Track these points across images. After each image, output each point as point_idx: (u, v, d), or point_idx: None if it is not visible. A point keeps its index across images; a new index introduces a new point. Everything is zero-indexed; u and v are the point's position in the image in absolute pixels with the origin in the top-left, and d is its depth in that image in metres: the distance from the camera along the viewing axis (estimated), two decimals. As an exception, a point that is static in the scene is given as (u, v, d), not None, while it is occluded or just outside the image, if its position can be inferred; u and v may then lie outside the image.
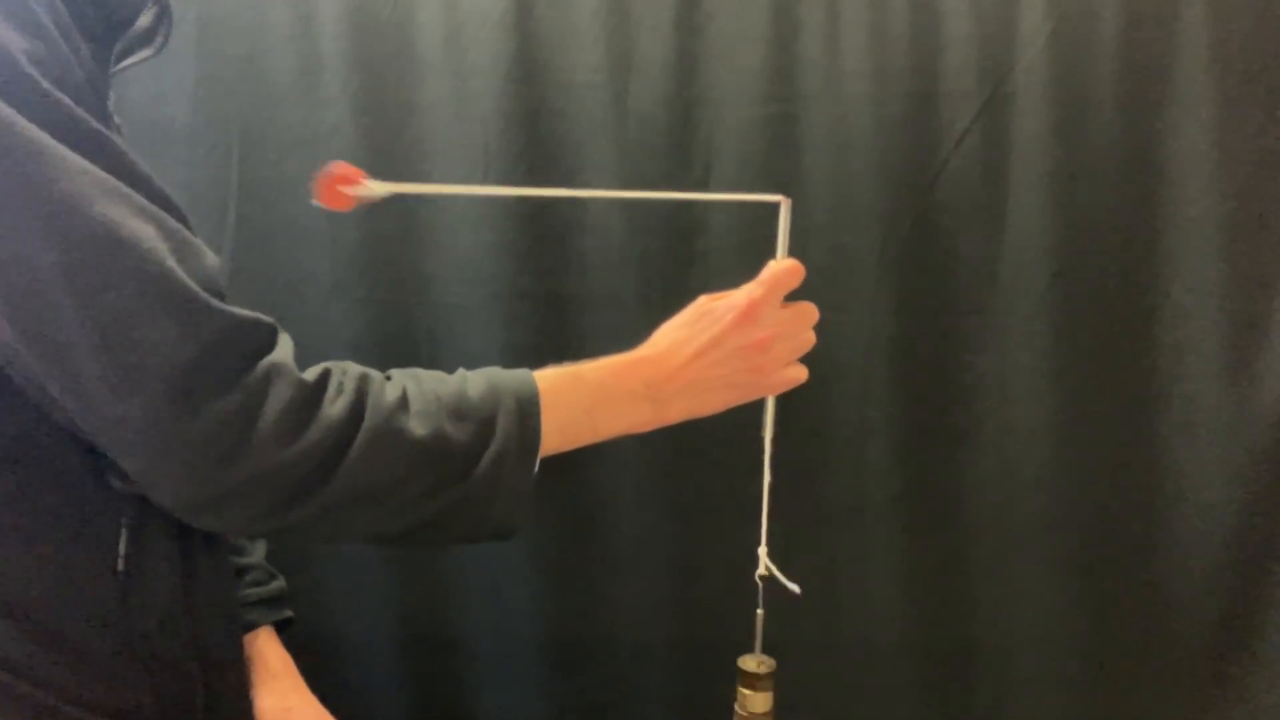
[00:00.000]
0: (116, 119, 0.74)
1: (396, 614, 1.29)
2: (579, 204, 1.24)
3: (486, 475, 0.70)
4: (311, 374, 0.67)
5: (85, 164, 0.61)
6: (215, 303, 0.63)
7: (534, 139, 1.23)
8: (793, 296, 0.81)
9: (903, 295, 1.22)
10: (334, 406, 0.66)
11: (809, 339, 0.81)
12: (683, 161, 1.23)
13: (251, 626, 0.91)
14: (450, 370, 0.76)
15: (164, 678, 0.73)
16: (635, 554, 1.27)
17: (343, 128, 1.23)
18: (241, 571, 0.93)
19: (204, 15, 1.22)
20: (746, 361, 0.78)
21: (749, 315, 0.78)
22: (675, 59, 1.22)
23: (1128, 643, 1.22)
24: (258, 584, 0.94)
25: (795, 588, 0.85)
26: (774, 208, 0.82)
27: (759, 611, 0.86)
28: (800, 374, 0.82)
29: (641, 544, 1.27)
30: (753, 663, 0.85)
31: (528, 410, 0.72)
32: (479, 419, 0.71)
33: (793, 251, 0.82)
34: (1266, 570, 1.18)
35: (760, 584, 0.86)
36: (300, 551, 1.22)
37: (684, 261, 1.24)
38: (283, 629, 0.95)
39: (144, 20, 0.78)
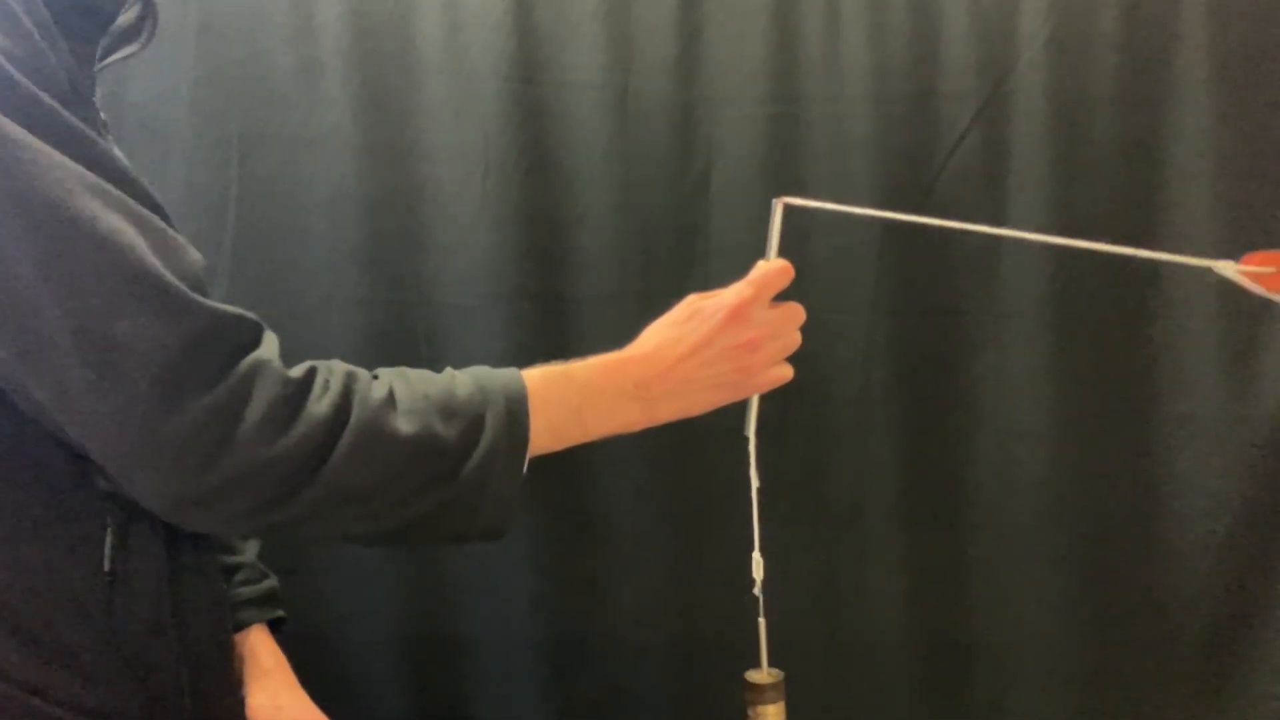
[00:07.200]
0: (103, 115, 0.74)
1: (395, 613, 1.28)
2: (578, 204, 1.24)
3: (475, 474, 0.69)
4: (297, 371, 0.66)
5: (63, 159, 0.60)
6: (197, 298, 0.63)
7: (534, 139, 1.23)
8: (784, 296, 0.80)
9: (903, 295, 1.22)
10: (320, 404, 0.65)
11: (796, 339, 0.80)
12: (683, 161, 1.24)
13: (243, 625, 0.91)
14: None
15: (151, 679, 0.73)
16: (636, 554, 1.27)
17: (343, 128, 1.23)
18: (233, 570, 0.93)
19: (204, 15, 1.23)
20: (735, 362, 0.77)
21: (738, 315, 0.77)
22: (675, 59, 1.22)
23: (1127, 642, 1.22)
24: (249, 583, 0.93)
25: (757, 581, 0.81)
26: (787, 208, 0.80)
27: (761, 621, 0.82)
28: (786, 373, 0.81)
29: (642, 544, 1.27)
30: (761, 675, 0.80)
31: (516, 409, 0.72)
32: (467, 418, 0.70)
33: (792, 251, 0.81)
34: (1265, 570, 1.18)
35: (760, 594, 0.82)
36: (298, 550, 1.22)
37: (684, 261, 1.24)
38: (276, 628, 0.94)
39: (128, 16, 0.77)
